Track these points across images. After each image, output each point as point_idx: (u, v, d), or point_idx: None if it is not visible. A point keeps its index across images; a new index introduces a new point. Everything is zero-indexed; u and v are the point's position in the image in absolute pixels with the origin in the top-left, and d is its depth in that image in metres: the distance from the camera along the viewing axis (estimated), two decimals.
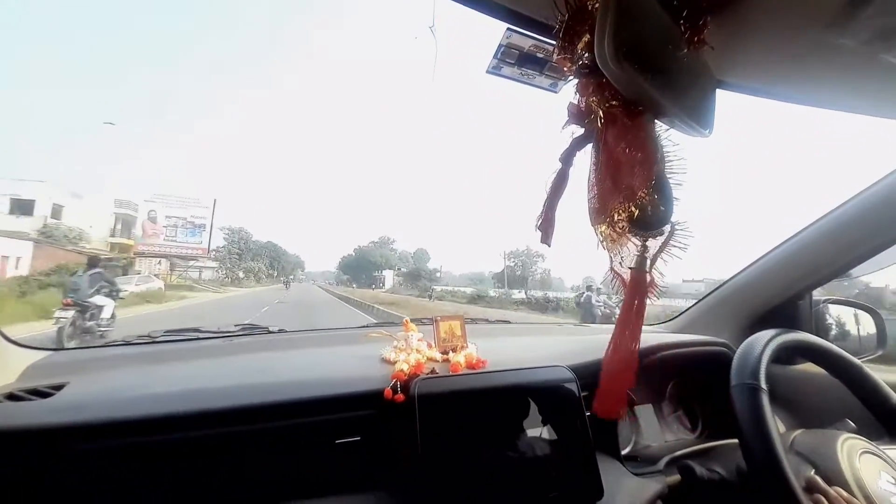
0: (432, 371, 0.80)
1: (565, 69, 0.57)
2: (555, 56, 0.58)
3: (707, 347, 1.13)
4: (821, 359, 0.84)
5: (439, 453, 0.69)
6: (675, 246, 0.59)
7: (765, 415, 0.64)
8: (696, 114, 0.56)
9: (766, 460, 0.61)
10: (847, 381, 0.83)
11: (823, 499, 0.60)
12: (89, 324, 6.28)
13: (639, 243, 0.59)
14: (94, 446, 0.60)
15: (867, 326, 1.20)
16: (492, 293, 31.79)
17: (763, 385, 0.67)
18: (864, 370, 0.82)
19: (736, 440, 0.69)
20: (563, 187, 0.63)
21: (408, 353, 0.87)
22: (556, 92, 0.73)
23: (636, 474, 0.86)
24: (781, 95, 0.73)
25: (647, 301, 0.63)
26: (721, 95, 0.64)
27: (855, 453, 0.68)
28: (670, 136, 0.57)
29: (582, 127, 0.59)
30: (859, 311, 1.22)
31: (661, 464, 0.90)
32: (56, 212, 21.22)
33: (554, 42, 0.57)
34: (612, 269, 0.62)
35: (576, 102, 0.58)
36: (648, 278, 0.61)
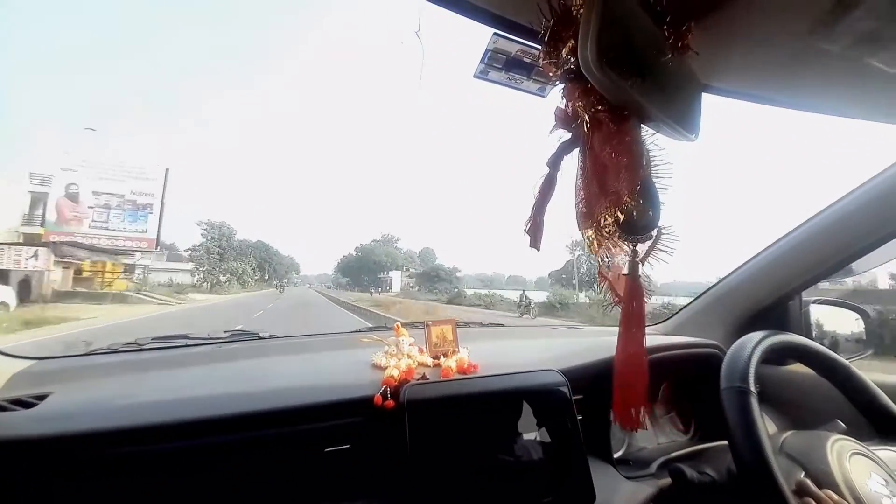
0: (423, 377, 0.80)
1: (551, 74, 0.57)
2: (541, 61, 0.58)
3: (698, 349, 1.13)
4: (810, 360, 0.84)
5: (430, 460, 0.68)
6: (661, 250, 0.59)
7: (754, 418, 0.64)
8: (682, 118, 0.57)
9: (756, 464, 0.61)
10: (836, 381, 0.83)
11: (813, 502, 0.60)
12: None
13: (626, 248, 0.59)
14: (78, 457, 0.59)
15: (856, 327, 1.21)
16: (581, 298, 21.87)
17: (752, 388, 0.67)
18: (853, 371, 0.82)
19: (727, 442, 0.69)
20: (550, 192, 0.63)
21: (399, 358, 0.86)
22: (544, 96, 0.73)
23: (628, 478, 0.86)
24: (767, 100, 0.74)
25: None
26: (707, 100, 0.64)
27: (845, 454, 0.68)
28: (656, 141, 0.57)
29: (569, 132, 0.59)
30: (848, 312, 1.23)
31: (653, 467, 0.90)
32: None
33: (540, 47, 0.57)
34: (599, 272, 0.62)
35: (562, 107, 0.58)
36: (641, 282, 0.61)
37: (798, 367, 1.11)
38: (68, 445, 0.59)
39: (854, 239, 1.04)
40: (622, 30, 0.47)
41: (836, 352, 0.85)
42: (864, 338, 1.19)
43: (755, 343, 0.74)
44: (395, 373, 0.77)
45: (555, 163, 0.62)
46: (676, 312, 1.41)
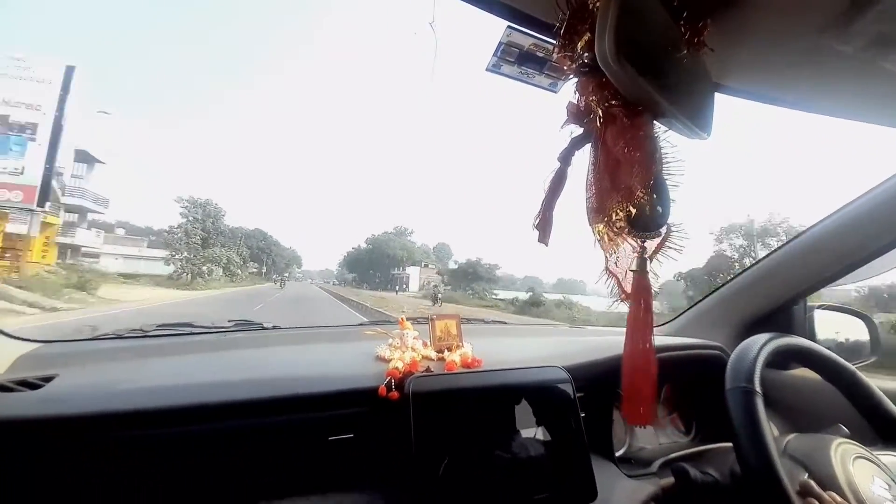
0: (427, 369, 0.80)
1: (565, 68, 0.57)
2: (555, 55, 0.58)
3: (702, 351, 1.13)
4: (815, 364, 0.84)
5: (433, 452, 0.68)
6: (670, 247, 0.59)
7: (759, 418, 0.64)
8: (695, 116, 0.56)
9: (760, 464, 0.61)
10: (841, 386, 0.83)
11: (816, 502, 0.60)
12: None
13: (635, 244, 0.58)
14: (82, 438, 0.59)
15: (860, 333, 1.21)
16: None
17: (758, 389, 0.67)
18: (858, 376, 0.82)
19: (730, 444, 0.68)
20: (561, 187, 0.62)
21: (403, 351, 0.86)
22: (555, 92, 0.73)
23: (630, 476, 0.86)
24: (778, 100, 0.73)
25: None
26: (720, 100, 0.64)
27: (848, 458, 0.68)
28: (668, 138, 0.57)
29: (581, 126, 0.58)
30: (853, 318, 1.23)
31: (655, 466, 0.90)
32: None
33: (554, 41, 0.57)
34: (606, 268, 0.62)
35: (575, 102, 0.58)
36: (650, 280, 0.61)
37: (802, 372, 1.11)
38: (73, 426, 0.59)
39: (861, 244, 1.03)
40: (639, 24, 0.47)
41: (840, 357, 0.84)
42: (869, 343, 1.18)
43: (761, 344, 0.74)
44: (400, 365, 0.77)
45: (566, 158, 0.62)
46: (681, 313, 1.41)
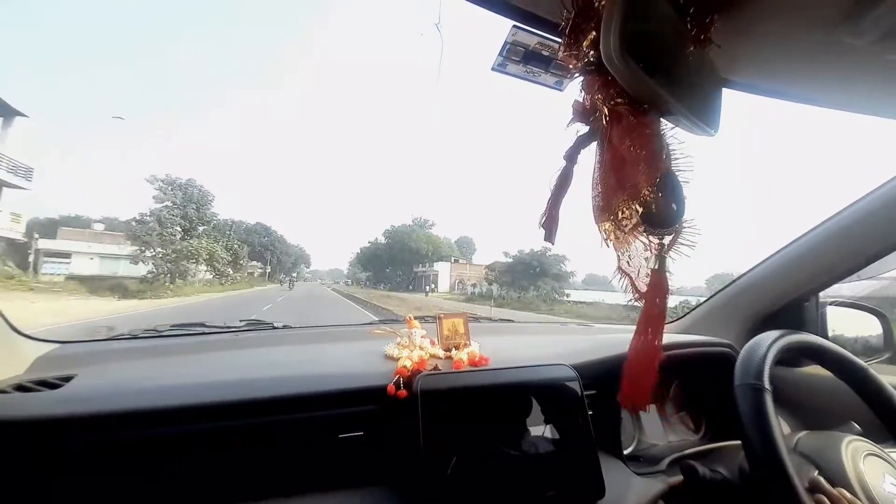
0: (435, 368, 0.80)
1: (571, 66, 0.56)
2: (560, 53, 0.58)
3: (711, 348, 1.13)
4: (826, 361, 0.83)
5: (441, 449, 0.69)
6: (683, 244, 0.58)
7: (768, 415, 0.64)
8: (702, 112, 0.56)
9: (769, 460, 0.61)
10: (852, 383, 0.82)
11: (826, 499, 0.60)
12: None
13: (646, 241, 0.58)
14: (102, 437, 0.61)
15: (874, 329, 1.19)
16: None
17: (767, 385, 0.67)
18: (870, 373, 0.81)
19: (739, 442, 0.68)
20: (567, 185, 0.63)
21: (411, 349, 0.87)
22: (561, 90, 0.73)
23: (638, 474, 0.86)
24: (788, 95, 0.72)
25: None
26: (728, 95, 0.64)
27: (859, 455, 0.67)
28: (676, 135, 0.57)
29: (587, 125, 0.58)
30: (866, 314, 1.21)
31: (664, 464, 0.90)
32: None
33: (559, 39, 0.57)
34: (618, 267, 0.62)
35: (581, 100, 0.58)
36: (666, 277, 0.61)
37: (813, 369, 1.10)
38: (93, 425, 0.61)
39: (873, 240, 1.02)
40: (645, 21, 0.47)
41: (852, 354, 0.83)
42: (882, 340, 1.17)
43: (771, 341, 0.73)
44: (408, 363, 0.78)
45: (571, 156, 0.62)
46: (690, 311, 1.40)
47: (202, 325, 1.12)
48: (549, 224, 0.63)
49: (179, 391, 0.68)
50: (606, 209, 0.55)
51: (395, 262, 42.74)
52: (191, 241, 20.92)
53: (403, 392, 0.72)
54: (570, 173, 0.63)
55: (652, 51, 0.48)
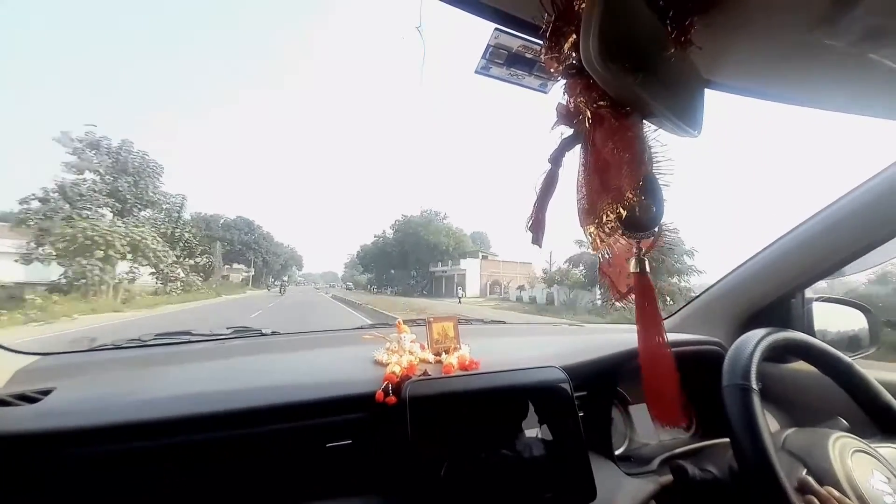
0: (424, 373, 0.80)
1: (553, 70, 0.56)
2: (542, 56, 0.58)
3: (699, 346, 1.13)
4: (812, 357, 0.84)
5: (431, 456, 0.68)
6: (663, 246, 0.58)
7: (756, 415, 0.64)
8: (684, 114, 0.56)
9: (757, 461, 0.61)
10: (838, 379, 0.83)
11: (815, 499, 0.60)
12: None
13: (628, 244, 0.58)
14: (81, 451, 0.59)
15: (859, 324, 1.21)
16: None
17: (754, 385, 0.67)
18: (856, 368, 0.82)
19: (729, 440, 0.68)
20: (552, 188, 0.62)
21: (400, 354, 0.87)
22: (545, 92, 0.73)
23: (629, 474, 0.86)
24: (770, 95, 0.73)
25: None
26: (710, 95, 0.64)
27: (847, 452, 0.68)
28: (658, 137, 0.57)
29: (570, 128, 0.58)
30: (852, 309, 1.23)
31: (655, 464, 0.90)
32: None
33: (542, 42, 0.57)
34: (600, 269, 0.62)
35: (564, 103, 0.58)
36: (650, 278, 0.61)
37: (800, 365, 1.10)
38: (72, 440, 0.59)
39: (857, 236, 1.03)
40: (625, 24, 0.46)
41: (838, 349, 0.84)
42: (868, 335, 1.18)
43: (757, 340, 0.73)
44: (397, 369, 0.77)
45: (556, 159, 0.62)
46: (678, 310, 1.41)
47: (187, 332, 1.10)
48: (536, 227, 0.63)
49: (162, 403, 0.67)
50: (591, 212, 0.54)
51: (407, 261, 34.41)
52: (95, 224, 12.40)
53: (392, 399, 0.72)
54: (556, 176, 0.63)
55: (632, 53, 0.48)
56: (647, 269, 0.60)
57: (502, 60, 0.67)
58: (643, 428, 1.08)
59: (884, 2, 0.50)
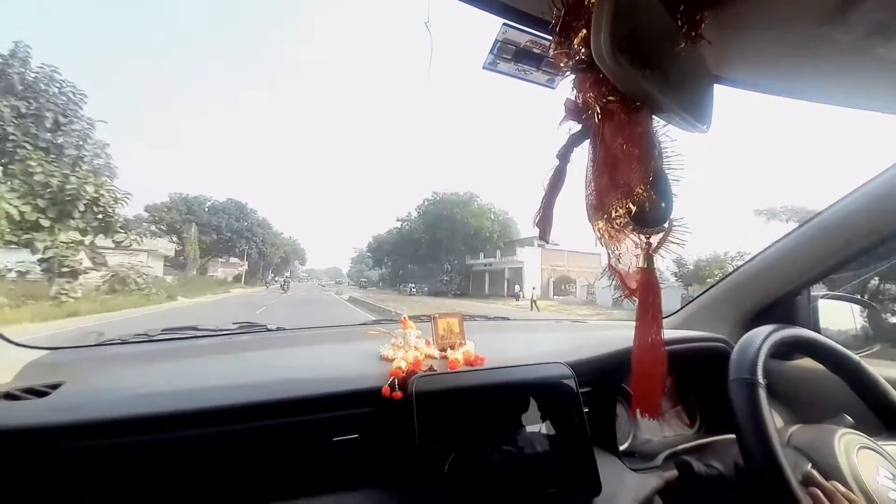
0: (430, 368, 0.80)
1: (562, 64, 0.56)
2: (551, 51, 0.57)
3: (705, 343, 1.13)
4: (818, 354, 0.84)
5: (437, 450, 0.69)
6: (673, 242, 0.58)
7: (762, 409, 0.64)
8: (694, 109, 0.56)
9: (763, 454, 0.61)
10: (844, 376, 0.83)
11: (820, 493, 0.60)
12: None
13: (638, 240, 0.58)
14: (90, 445, 0.60)
15: (865, 321, 1.21)
16: None
17: (760, 380, 0.68)
18: (862, 365, 0.82)
19: (734, 435, 0.69)
20: (560, 184, 0.62)
21: (406, 350, 0.87)
22: (553, 88, 0.73)
23: (634, 470, 0.86)
24: (779, 90, 0.73)
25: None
26: (719, 90, 0.64)
27: (852, 448, 0.68)
28: (668, 132, 0.57)
29: (579, 123, 0.58)
30: (857, 306, 1.23)
31: (659, 459, 0.91)
32: None
33: (550, 37, 0.57)
34: (609, 265, 0.62)
35: (573, 98, 0.58)
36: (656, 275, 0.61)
37: (806, 362, 1.11)
38: (81, 433, 0.60)
39: (863, 233, 1.03)
40: (635, 19, 0.46)
41: (844, 346, 0.84)
42: (873, 332, 1.18)
43: (764, 336, 0.74)
44: (403, 364, 0.78)
45: (564, 155, 0.62)
46: (684, 306, 1.41)
47: (194, 328, 1.11)
48: (543, 223, 0.63)
49: (169, 397, 0.67)
50: (600, 207, 0.54)
51: (438, 251, 26.39)
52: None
53: (399, 394, 0.72)
54: (564, 172, 0.63)
55: (642, 48, 0.47)
56: (654, 266, 0.60)
57: (510, 56, 0.67)
58: (648, 424, 1.08)
59: None
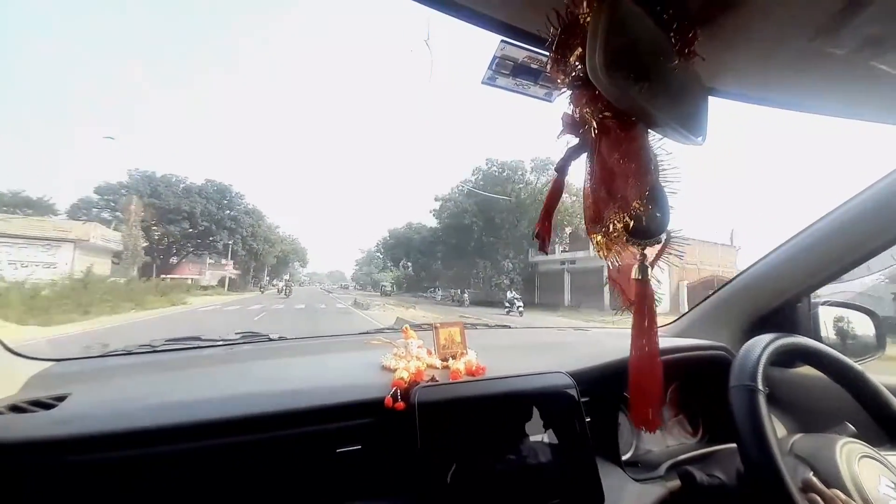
0: (432, 378, 0.80)
1: (558, 81, 0.57)
2: (548, 68, 0.59)
3: (706, 351, 1.13)
4: (819, 363, 0.84)
5: (439, 461, 0.69)
6: (670, 254, 0.59)
7: (761, 416, 0.65)
8: (688, 122, 0.57)
9: (763, 461, 0.61)
10: (846, 385, 0.83)
11: (820, 499, 0.60)
12: None
13: (635, 252, 0.59)
14: (96, 457, 0.60)
15: (866, 328, 1.20)
16: None
17: (761, 387, 0.68)
18: (864, 374, 0.82)
19: (736, 445, 0.69)
20: (558, 196, 0.64)
21: (408, 360, 0.87)
22: (551, 101, 0.74)
23: (637, 480, 0.86)
24: (773, 102, 0.74)
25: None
26: (714, 102, 0.65)
27: (854, 457, 0.68)
28: (664, 146, 0.58)
29: (576, 137, 0.59)
30: (857, 313, 1.23)
31: (662, 469, 0.91)
32: None
33: (547, 53, 0.58)
34: (608, 276, 0.63)
35: (570, 113, 0.59)
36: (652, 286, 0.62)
37: (807, 370, 1.10)
38: (88, 446, 0.60)
39: (863, 240, 1.03)
40: (629, 37, 0.48)
41: (846, 354, 0.84)
42: (875, 340, 1.18)
43: (765, 344, 0.74)
44: (405, 375, 0.78)
45: (563, 168, 0.63)
46: (684, 314, 1.41)
47: (197, 338, 1.12)
48: (543, 235, 0.64)
49: (175, 409, 0.68)
50: (597, 221, 0.55)
51: (495, 239, 19.08)
52: None
53: (401, 404, 0.72)
54: (562, 185, 0.64)
55: (636, 64, 0.49)
56: (649, 277, 0.60)
57: (508, 71, 0.68)
58: (650, 433, 1.08)
59: (884, 10, 0.51)
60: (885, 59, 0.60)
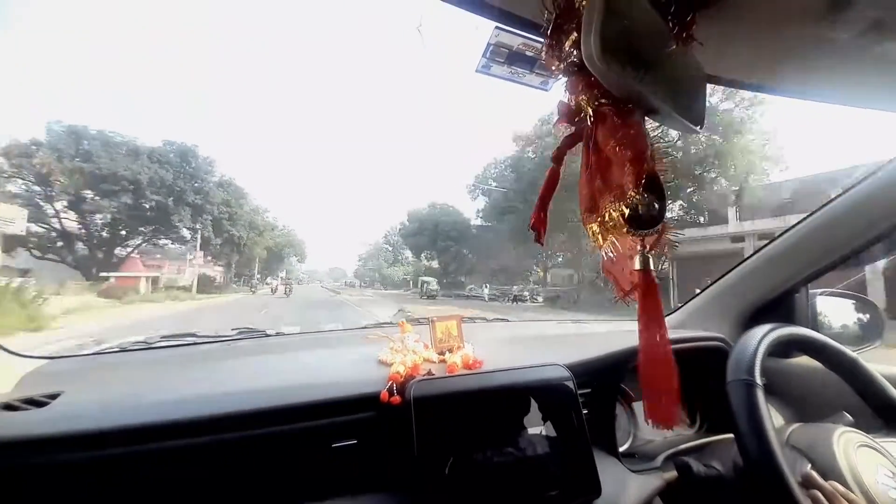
0: (429, 372, 0.80)
1: (553, 68, 0.56)
2: (543, 54, 0.57)
3: (704, 343, 1.13)
4: (817, 352, 0.84)
5: (436, 455, 0.69)
6: (666, 243, 0.58)
7: (760, 411, 0.64)
8: (687, 109, 0.56)
9: (761, 456, 0.61)
10: (843, 374, 0.83)
11: (820, 494, 0.60)
12: None
13: (630, 242, 0.58)
14: (90, 455, 0.60)
15: (864, 318, 1.20)
16: None
17: (758, 381, 0.67)
18: (860, 363, 0.82)
19: (733, 435, 0.69)
20: (554, 186, 0.63)
21: (404, 354, 0.87)
22: (547, 90, 0.73)
23: (634, 471, 0.86)
24: (772, 89, 0.73)
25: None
26: (712, 89, 0.64)
27: (852, 447, 0.68)
28: (661, 133, 0.57)
29: (572, 125, 0.58)
30: (855, 303, 1.23)
31: (659, 460, 0.91)
32: None
33: (543, 40, 0.57)
34: (603, 267, 0.62)
35: (566, 101, 0.58)
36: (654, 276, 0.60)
37: (805, 360, 1.10)
38: (80, 444, 0.60)
39: (861, 230, 1.03)
40: (626, 22, 0.46)
41: (843, 344, 0.84)
42: (872, 328, 1.18)
43: (761, 336, 0.74)
44: (401, 369, 0.78)
45: (558, 157, 0.62)
46: (682, 306, 1.41)
47: (192, 334, 1.11)
48: (539, 226, 0.63)
49: (169, 405, 0.67)
50: (594, 210, 0.54)
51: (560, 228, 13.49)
52: None
53: (397, 398, 0.72)
54: (558, 174, 0.63)
55: (633, 50, 0.47)
56: (651, 266, 0.59)
57: (503, 59, 0.67)
58: (647, 424, 1.08)
59: None
60: (886, 44, 0.59)
